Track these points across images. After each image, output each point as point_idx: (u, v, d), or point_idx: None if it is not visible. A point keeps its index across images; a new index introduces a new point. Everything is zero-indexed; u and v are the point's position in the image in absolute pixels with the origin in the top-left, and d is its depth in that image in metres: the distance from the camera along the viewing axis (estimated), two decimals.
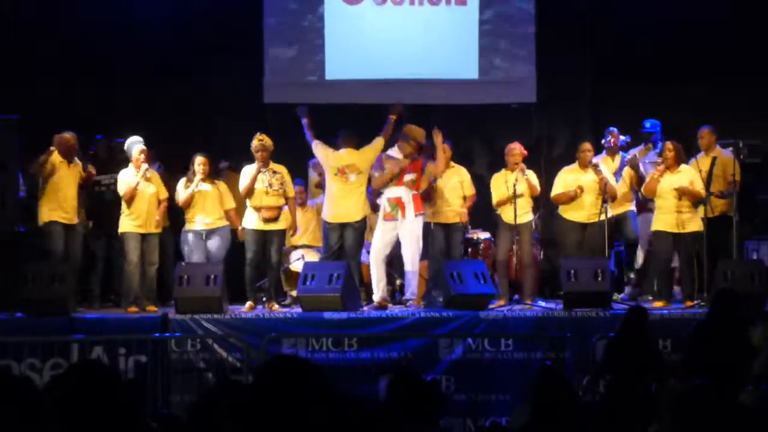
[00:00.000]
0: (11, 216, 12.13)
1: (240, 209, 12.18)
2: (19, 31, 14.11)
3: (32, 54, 14.07)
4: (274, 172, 11.90)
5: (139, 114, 12.94)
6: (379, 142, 12.05)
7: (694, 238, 11.92)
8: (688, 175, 11.94)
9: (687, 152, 12.36)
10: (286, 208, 11.97)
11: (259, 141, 11.83)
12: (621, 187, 12.54)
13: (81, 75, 13.98)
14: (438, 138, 12.02)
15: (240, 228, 12.07)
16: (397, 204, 11.83)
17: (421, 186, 12.02)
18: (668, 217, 11.93)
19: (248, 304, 11.81)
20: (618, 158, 12.83)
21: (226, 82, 14.34)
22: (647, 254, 12.66)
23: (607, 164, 12.66)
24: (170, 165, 12.77)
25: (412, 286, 11.92)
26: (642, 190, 12.27)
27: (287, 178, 12.01)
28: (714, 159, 12.33)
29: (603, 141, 12.92)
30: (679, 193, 11.82)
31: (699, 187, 11.93)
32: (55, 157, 11.84)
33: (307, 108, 12.28)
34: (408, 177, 11.87)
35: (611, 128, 12.91)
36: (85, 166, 12.09)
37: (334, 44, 14.59)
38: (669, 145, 12.06)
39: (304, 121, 12.14)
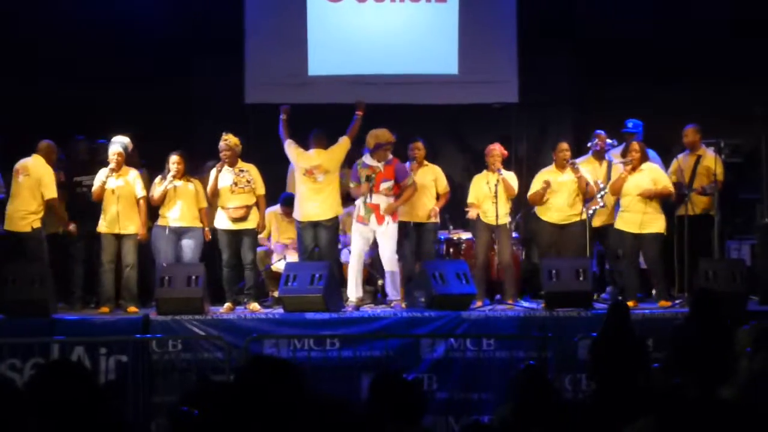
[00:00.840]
0: None
1: (213, 210, 12.17)
2: None
3: (11, 54, 14.01)
4: (241, 171, 11.89)
5: (120, 114, 12.88)
6: (344, 140, 12.08)
7: (654, 238, 11.94)
8: (650, 174, 12.01)
9: (669, 152, 12.39)
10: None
11: (224, 141, 11.83)
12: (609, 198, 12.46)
13: (61, 75, 13.93)
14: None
15: (206, 228, 12.07)
16: (373, 211, 11.79)
17: (407, 190, 11.96)
18: (630, 216, 11.99)
19: (227, 305, 11.79)
20: (605, 163, 12.73)
21: (208, 81, 14.33)
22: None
23: (593, 168, 12.63)
24: (153, 165, 12.72)
25: (396, 285, 11.91)
26: (608, 189, 12.29)
27: (256, 176, 11.99)
28: (698, 158, 12.35)
29: (589, 144, 12.87)
30: (644, 196, 11.86)
31: (663, 183, 11.98)
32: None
33: (290, 108, 12.26)
34: (384, 185, 11.83)
35: (598, 131, 12.85)
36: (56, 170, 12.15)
37: (316, 42, 14.57)
38: (635, 145, 12.12)
39: (282, 117, 12.13)
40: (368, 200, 11.69)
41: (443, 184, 12.57)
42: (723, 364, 8.06)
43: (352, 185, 12.01)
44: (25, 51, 14.08)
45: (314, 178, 11.94)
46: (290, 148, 12.11)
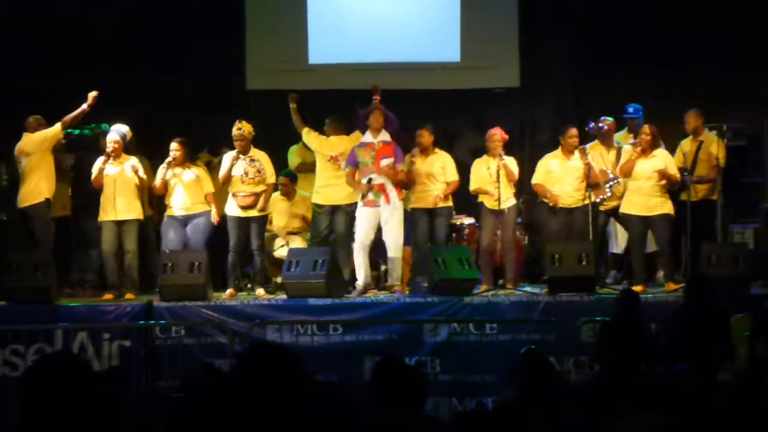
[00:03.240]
0: None
1: (222, 194, 12.16)
2: None
3: (12, 42, 14.01)
4: (252, 160, 11.90)
5: (121, 102, 12.86)
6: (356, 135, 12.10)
7: (664, 219, 11.92)
8: (663, 160, 11.95)
9: (673, 137, 12.37)
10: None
11: (238, 129, 11.84)
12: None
13: (63, 63, 13.93)
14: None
15: (214, 212, 12.09)
16: (380, 191, 11.80)
17: (399, 173, 11.98)
18: (638, 199, 11.95)
19: (229, 291, 11.83)
20: (614, 150, 12.63)
21: (208, 69, 14.31)
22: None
23: (600, 154, 12.58)
24: (152, 153, 12.71)
25: (396, 271, 11.93)
26: (617, 170, 12.26)
27: (266, 164, 12.00)
28: (701, 143, 12.32)
29: (587, 127, 12.78)
30: (659, 175, 11.83)
31: (673, 171, 11.95)
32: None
33: (297, 95, 12.25)
34: (384, 162, 11.83)
35: (604, 117, 12.77)
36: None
37: (317, 29, 14.59)
38: (646, 128, 12.05)
39: (291, 106, 12.13)
40: (369, 197, 11.69)
41: (451, 173, 12.43)
42: (720, 349, 8.09)
43: (347, 170, 11.98)
44: (22, 36, 14.07)
45: (338, 165, 11.95)
46: (310, 135, 12.13)
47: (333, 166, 11.99)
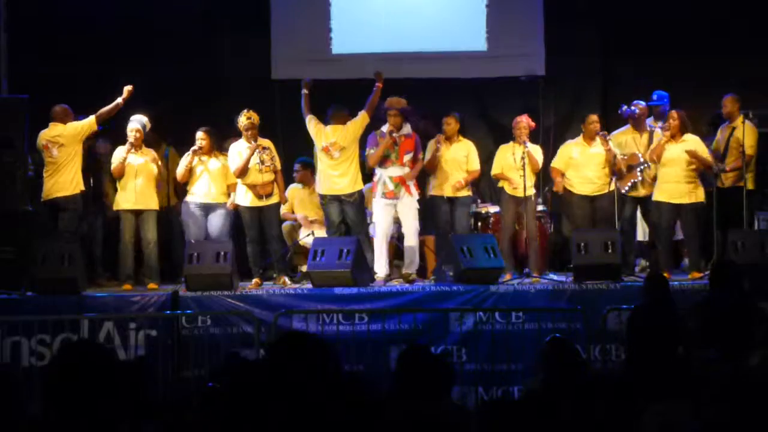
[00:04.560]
0: (20, 194, 12.13)
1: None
2: (24, 10, 14.11)
3: (38, 33, 14.06)
4: (264, 148, 11.91)
5: (144, 92, 12.88)
6: (362, 115, 11.96)
7: (695, 208, 11.88)
8: (694, 145, 11.90)
9: (696, 125, 12.30)
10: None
11: (248, 119, 11.85)
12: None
13: (87, 54, 13.96)
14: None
15: (233, 198, 12.17)
16: (401, 183, 11.83)
17: (418, 163, 12.03)
18: (669, 186, 11.92)
19: (254, 281, 11.86)
20: (646, 134, 12.59)
21: (234, 58, 14.34)
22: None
23: (633, 138, 12.54)
24: (180, 143, 12.73)
25: (414, 260, 11.95)
26: (647, 155, 12.22)
27: (275, 152, 12.07)
28: (733, 129, 12.23)
29: (620, 111, 12.72)
30: (690, 156, 11.77)
31: (705, 155, 11.90)
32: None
33: (312, 81, 12.22)
34: (407, 156, 11.92)
35: (637, 101, 12.71)
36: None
37: (341, 18, 14.59)
38: (674, 113, 12.02)
39: (304, 92, 12.10)
40: (389, 188, 11.73)
41: (473, 162, 12.43)
42: (747, 334, 8.05)
43: (370, 152, 12.00)
44: (50, 27, 14.12)
45: (331, 155, 11.92)
46: (311, 123, 12.10)
47: (327, 156, 11.96)
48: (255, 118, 11.88)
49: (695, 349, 8.49)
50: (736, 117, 12.30)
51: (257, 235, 11.97)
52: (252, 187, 11.90)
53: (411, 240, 11.95)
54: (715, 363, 8.06)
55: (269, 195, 11.94)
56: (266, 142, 12.04)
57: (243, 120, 11.84)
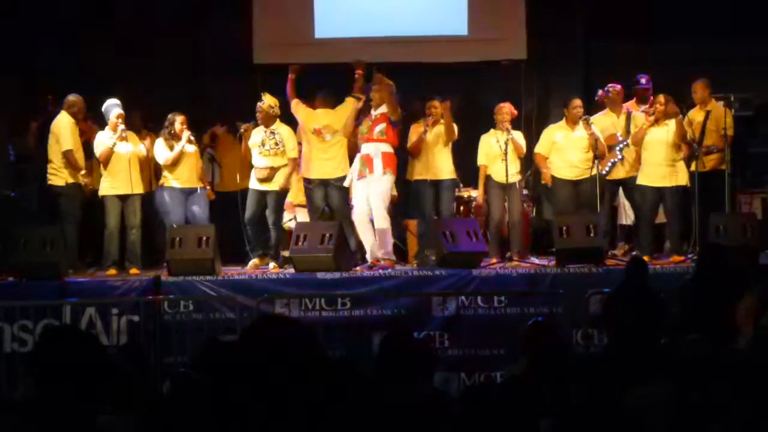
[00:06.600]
0: (2, 180, 12.10)
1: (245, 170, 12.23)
2: None
3: (23, 19, 13.99)
4: (272, 132, 11.88)
5: (127, 77, 12.84)
6: (349, 100, 11.98)
7: (679, 191, 11.91)
8: (676, 125, 11.91)
9: (680, 108, 12.32)
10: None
11: (259, 102, 11.91)
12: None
13: (65, 38, 13.89)
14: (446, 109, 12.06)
15: (208, 188, 12.28)
16: (365, 160, 11.79)
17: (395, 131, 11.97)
18: (653, 169, 11.94)
19: (253, 261, 11.88)
20: (624, 116, 12.64)
21: (216, 42, 14.29)
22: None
23: (612, 121, 12.58)
24: (159, 129, 12.68)
25: (385, 244, 11.84)
26: (630, 140, 12.25)
27: (287, 138, 11.98)
28: (708, 113, 12.26)
29: (597, 96, 12.78)
30: (677, 135, 11.78)
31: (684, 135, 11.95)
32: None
33: (299, 67, 12.20)
34: (378, 128, 11.81)
35: (611, 84, 12.75)
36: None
37: (324, 2, 14.55)
38: (660, 98, 12.04)
39: (290, 76, 12.07)
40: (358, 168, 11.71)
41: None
42: (732, 318, 8.06)
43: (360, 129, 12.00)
44: (28, 14, 14.04)
45: (323, 138, 11.91)
46: (298, 107, 12.07)
47: (318, 139, 11.94)
48: (267, 101, 11.86)
49: (677, 333, 8.52)
50: (709, 101, 12.32)
51: (255, 217, 11.92)
52: (255, 168, 11.95)
53: (378, 221, 11.80)
54: (697, 345, 8.09)
55: (267, 179, 11.87)
56: (282, 128, 12.00)
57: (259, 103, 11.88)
